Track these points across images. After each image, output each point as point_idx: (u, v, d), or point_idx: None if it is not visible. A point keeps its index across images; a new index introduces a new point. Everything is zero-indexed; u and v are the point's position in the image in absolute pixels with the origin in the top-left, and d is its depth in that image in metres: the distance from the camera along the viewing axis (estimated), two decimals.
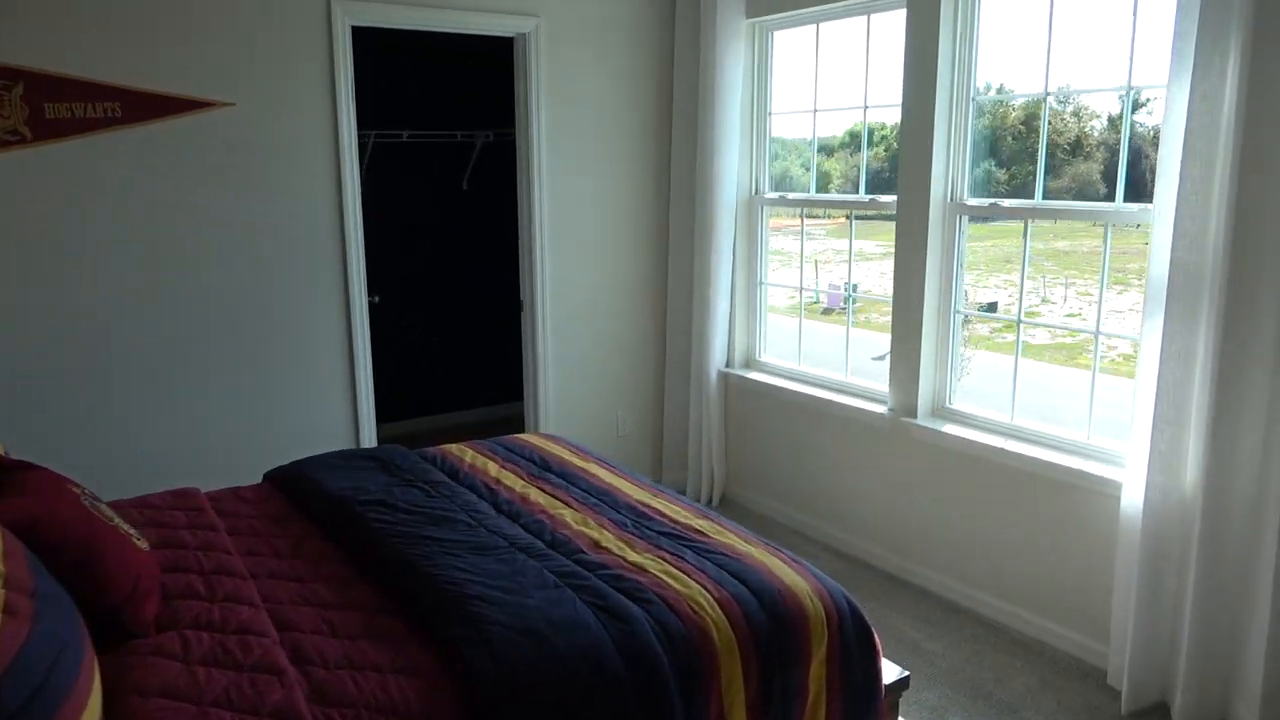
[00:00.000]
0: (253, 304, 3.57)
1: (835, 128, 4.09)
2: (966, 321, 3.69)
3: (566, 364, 4.35)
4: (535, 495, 2.41)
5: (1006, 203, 3.33)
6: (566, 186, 4.20)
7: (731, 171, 4.17)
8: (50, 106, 3.10)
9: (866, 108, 3.74)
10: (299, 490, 2.41)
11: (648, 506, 2.32)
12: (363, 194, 5.20)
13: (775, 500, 4.29)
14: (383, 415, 5.36)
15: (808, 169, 4.15)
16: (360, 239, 3.78)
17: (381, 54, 5.15)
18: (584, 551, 2.04)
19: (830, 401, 3.86)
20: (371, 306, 4.56)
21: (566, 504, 2.35)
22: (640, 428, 4.65)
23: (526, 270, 4.22)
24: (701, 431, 4.46)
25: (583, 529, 2.17)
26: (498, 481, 2.53)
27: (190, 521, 2.24)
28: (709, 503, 4.49)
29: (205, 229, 3.43)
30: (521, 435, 3.06)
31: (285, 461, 3.48)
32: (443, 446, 2.88)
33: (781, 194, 4.24)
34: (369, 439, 3.92)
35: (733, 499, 4.54)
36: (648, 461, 4.70)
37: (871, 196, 3.80)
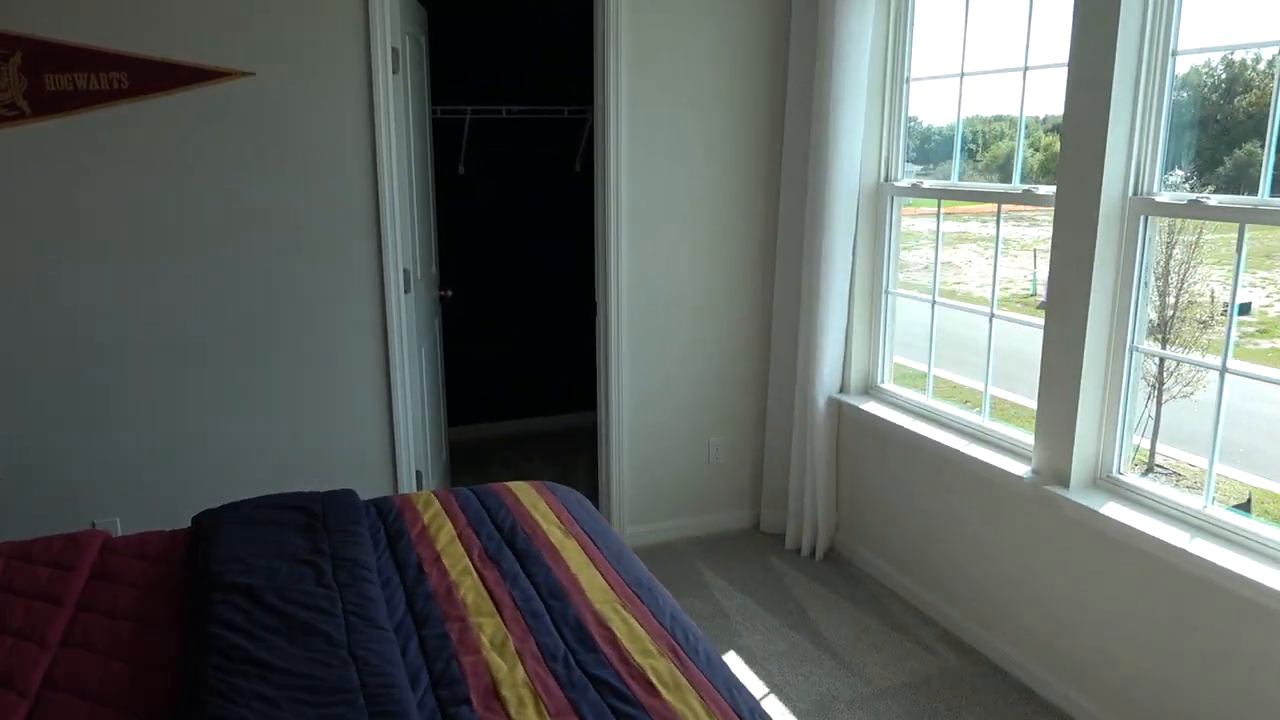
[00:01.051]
0: (271, 301, 3.17)
1: (985, 104, 3.18)
2: (1152, 362, 2.72)
3: (647, 374, 3.70)
4: (468, 588, 1.82)
5: (1214, 200, 2.35)
6: (651, 169, 3.54)
7: (853, 153, 3.36)
8: (51, 78, 2.80)
9: (1026, 69, 2.83)
10: (193, 553, 1.94)
11: (603, 626, 1.67)
12: (462, 176, 4.85)
13: (891, 563, 3.47)
14: (455, 417, 4.96)
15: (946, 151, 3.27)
16: (400, 229, 3.30)
17: (478, 22, 4.68)
18: (467, 705, 1.42)
19: (959, 452, 3.00)
20: (445, 300, 4.13)
21: (497, 609, 1.74)
22: (736, 456, 3.94)
23: (601, 265, 3.61)
24: (805, 469, 3.69)
25: (491, 657, 1.55)
26: (437, 559, 1.95)
27: (41, 586, 1.83)
28: (811, 555, 3.72)
29: (220, 217, 3.05)
30: (512, 486, 2.45)
31: (302, 482, 3.08)
32: (410, 497, 2.33)
33: (917, 181, 3.37)
34: (408, 455, 3.45)
35: (842, 553, 3.74)
36: (744, 498, 3.99)
37: (1026, 187, 2.89)
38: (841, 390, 3.65)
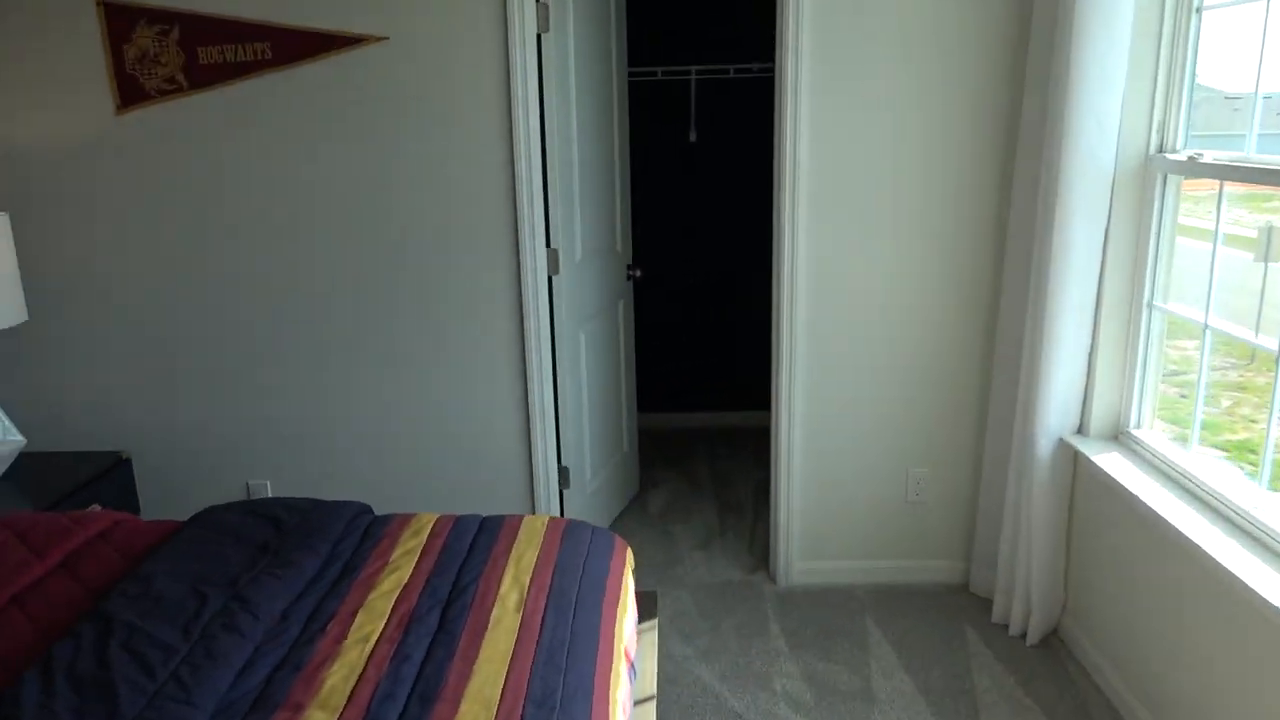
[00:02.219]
0: (397, 277, 3.03)
1: None
2: None
3: (829, 384, 3.07)
4: (345, 663, 1.46)
5: None
6: (841, 131, 2.87)
7: (1106, 111, 2.43)
8: (203, 51, 2.85)
9: None
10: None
11: None
12: (693, 143, 4.41)
13: (1119, 670, 2.55)
14: (661, 404, 4.62)
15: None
16: (541, 203, 2.98)
17: None
18: None
19: (1221, 567, 2.03)
20: (634, 281, 3.78)
21: (347, 703, 1.36)
22: (942, 495, 3.16)
23: (776, 250, 3.02)
24: (1020, 528, 2.84)
25: None
26: (354, 613, 1.62)
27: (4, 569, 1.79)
28: (1022, 636, 2.88)
29: (347, 188, 2.95)
30: (527, 522, 2.02)
31: (434, 464, 2.94)
32: (409, 520, 2.02)
33: (1196, 154, 2.35)
34: (545, 448, 3.17)
35: (1065, 642, 2.85)
36: (951, 547, 3.20)
37: None
38: (1079, 431, 2.74)
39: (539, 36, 2.91)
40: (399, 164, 2.93)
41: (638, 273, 3.76)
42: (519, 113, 2.87)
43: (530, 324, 3.05)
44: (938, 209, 2.92)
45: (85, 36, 2.84)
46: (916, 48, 2.80)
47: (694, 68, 4.17)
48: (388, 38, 2.84)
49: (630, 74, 4.20)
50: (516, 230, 2.98)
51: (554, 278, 3.12)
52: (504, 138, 2.91)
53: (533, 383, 3.10)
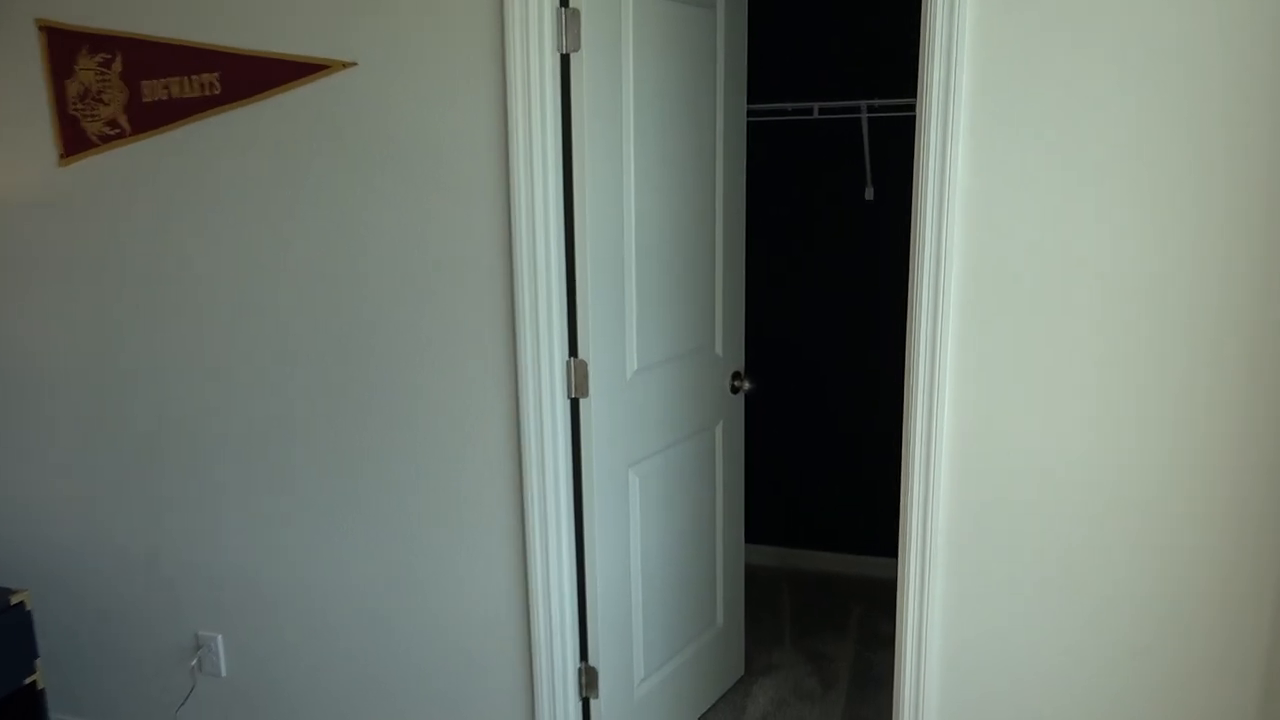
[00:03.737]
0: (367, 398, 2.21)
1: None
2: None
3: (990, 631, 1.86)
4: None
5: None
6: (1023, 209, 1.69)
7: None
8: (147, 85, 2.22)
9: None
10: None
11: None
12: (871, 202, 3.24)
13: None
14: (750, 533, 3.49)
15: None
16: (554, 298, 2.05)
17: None
18: None
19: None
20: (745, 393, 2.74)
21: None
22: None
23: (909, 399, 1.87)
24: None
25: None
26: None
27: None
28: None
29: (306, 272, 2.18)
30: None
31: (403, 644, 2.09)
32: None
33: None
34: (553, 640, 2.20)
35: None
36: None
37: None
38: None
39: (563, 59, 2.00)
40: (367, 237, 2.13)
41: (747, 385, 2.70)
42: (518, 166, 1.97)
43: (531, 469, 2.11)
44: (1202, 344, 1.64)
45: (27, 68, 2.31)
46: (1165, 68, 1.57)
47: (865, 102, 3.06)
48: (355, 63, 2.05)
49: (765, 111, 3.18)
50: (515, 335, 2.06)
51: (582, 402, 2.17)
52: (499, 202, 2.01)
53: (533, 553, 2.15)
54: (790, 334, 3.50)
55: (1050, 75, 1.65)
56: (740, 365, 2.74)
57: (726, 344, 2.66)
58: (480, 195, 2.02)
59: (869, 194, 3.29)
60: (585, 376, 2.15)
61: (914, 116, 3.05)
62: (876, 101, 3.06)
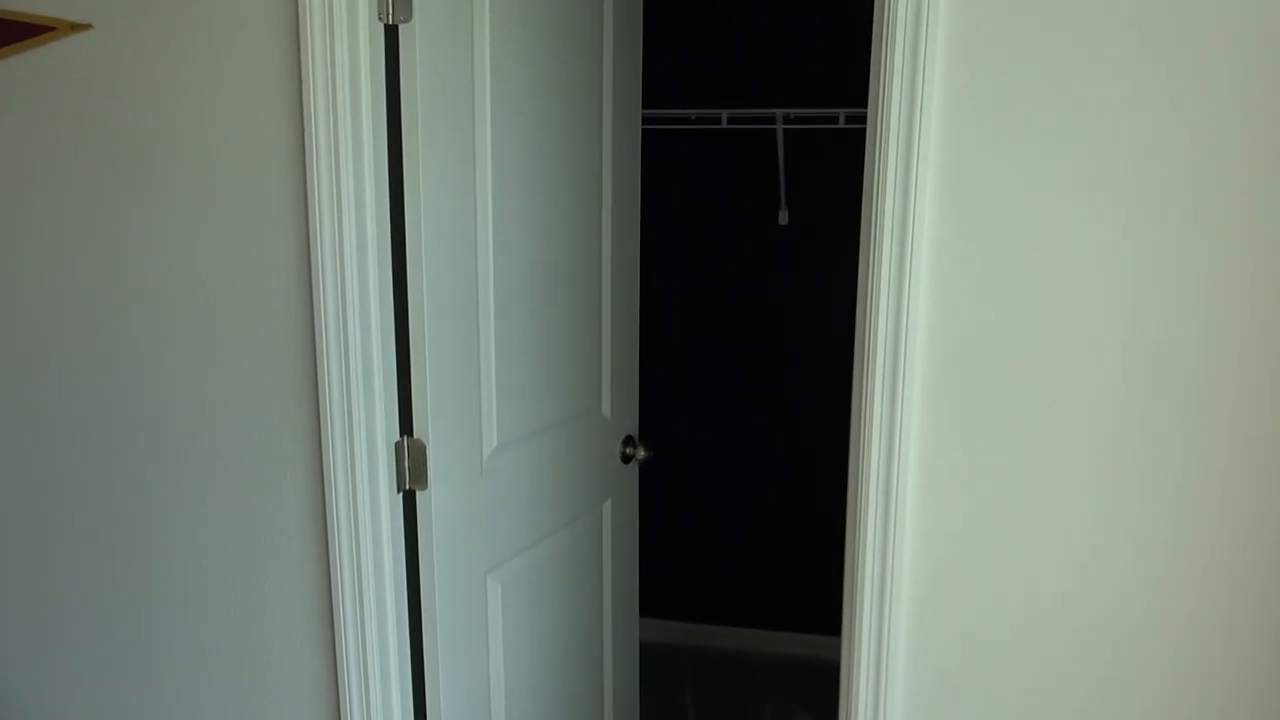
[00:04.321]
0: (124, 490, 1.60)
1: None
2: None
3: None
4: None
5: None
6: (1007, 250, 1.24)
7: None
8: None
9: None
10: None
11: None
12: (785, 228, 2.74)
13: None
14: (651, 607, 2.99)
15: None
16: (373, 360, 1.49)
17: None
18: None
19: None
20: (632, 461, 2.24)
21: None
22: None
23: (853, 507, 1.39)
24: None
25: None
26: None
27: None
28: None
29: (33, 315, 1.57)
30: None
31: None
32: None
33: None
34: None
35: None
36: None
37: None
38: None
39: (389, 32, 1.45)
40: (123, 266, 1.53)
41: (641, 453, 2.19)
42: (318, 178, 1.40)
43: (343, 594, 1.54)
44: (1241, 421, 1.21)
45: None
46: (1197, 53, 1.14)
47: (781, 112, 2.60)
48: (90, 25, 1.46)
49: (664, 119, 2.70)
50: (318, 409, 1.50)
51: (420, 496, 1.61)
52: (294, 228, 1.45)
53: (346, 687, 1.58)
54: (691, 382, 3.02)
55: (1056, 79, 1.19)
56: (634, 428, 2.23)
57: (617, 403, 2.14)
58: (267, 217, 1.45)
59: (783, 218, 2.84)
60: (423, 462, 1.60)
61: (834, 130, 2.61)
62: (794, 111, 2.61)
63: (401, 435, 1.59)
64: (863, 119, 2.62)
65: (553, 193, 1.82)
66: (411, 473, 1.60)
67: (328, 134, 1.39)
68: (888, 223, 1.29)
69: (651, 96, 2.72)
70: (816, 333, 2.90)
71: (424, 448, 1.59)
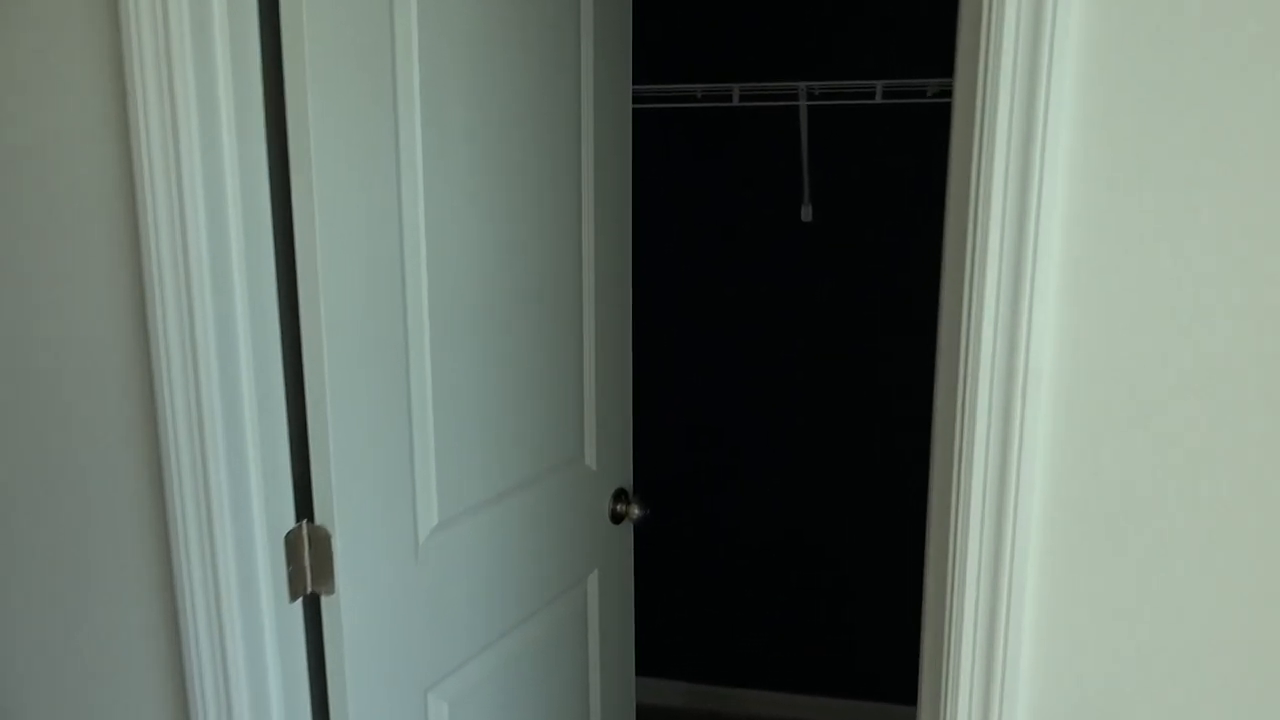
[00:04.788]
0: None
1: None
2: None
3: None
4: None
5: None
6: (1180, 239, 0.79)
7: None
8: None
9: None
10: None
11: None
12: (810, 224, 2.26)
13: None
14: (650, 665, 2.55)
15: None
16: (261, 396, 1.05)
17: None
18: None
19: None
20: (628, 520, 1.80)
21: None
22: None
23: (938, 593, 0.94)
24: None
25: None
26: None
27: None
28: None
29: None
30: None
31: None
32: None
33: None
34: None
35: None
36: None
37: None
38: None
39: None
40: None
41: (635, 511, 1.74)
42: (148, 166, 0.96)
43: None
44: None
45: None
46: None
47: (805, 85, 2.15)
48: None
49: (661, 95, 2.27)
50: (164, 497, 1.05)
51: (325, 601, 1.17)
52: (120, 235, 1.01)
53: None
54: (689, 412, 2.57)
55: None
56: (626, 480, 1.78)
57: (604, 451, 1.70)
58: (86, 220, 1.01)
59: (806, 214, 2.39)
60: (328, 556, 1.16)
61: (870, 106, 2.17)
62: (819, 85, 2.16)
63: (298, 522, 1.15)
64: (906, 92, 2.17)
65: (512, 187, 1.37)
66: (313, 571, 1.16)
67: (160, 99, 0.95)
68: (995, 225, 0.84)
69: (645, 69, 2.27)
70: (845, 353, 2.45)
71: (329, 537, 1.14)
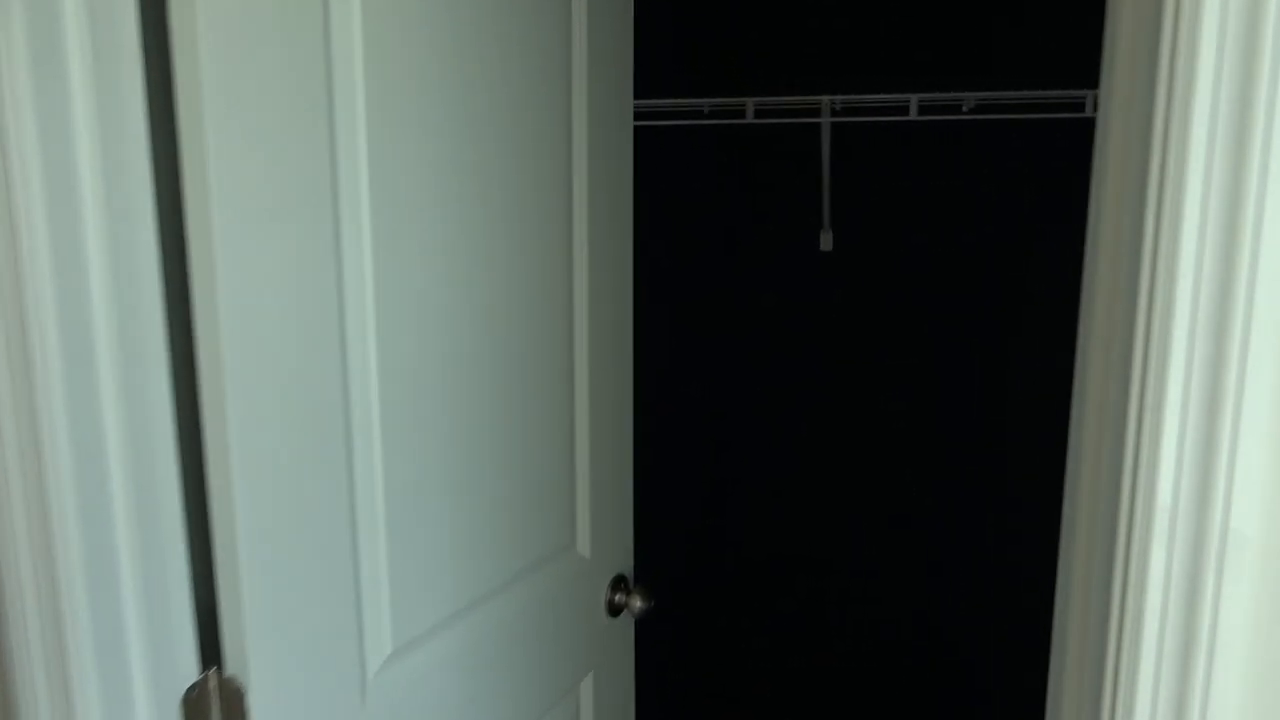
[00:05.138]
0: None
1: None
2: None
3: None
4: None
5: None
6: None
7: None
8: None
9: None
10: None
11: None
12: (829, 255, 1.97)
13: None
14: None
15: None
16: (134, 522, 0.77)
17: None
18: None
19: None
20: (631, 615, 1.52)
21: None
22: None
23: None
24: None
25: None
26: None
27: None
28: None
29: None
30: None
31: None
32: None
33: None
34: None
35: None
36: None
37: None
38: None
39: None
40: None
41: (638, 603, 1.47)
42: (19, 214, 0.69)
43: None
44: None
45: None
46: None
47: (829, 99, 1.89)
48: None
49: (665, 112, 2.02)
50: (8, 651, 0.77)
51: None
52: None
53: None
54: (702, 483, 2.30)
55: None
56: (626, 566, 1.51)
57: (600, 535, 1.42)
58: None
59: (825, 242, 2.13)
60: (241, 713, 0.88)
61: (903, 124, 1.91)
62: (843, 99, 1.90)
63: (203, 673, 0.87)
64: (944, 108, 1.91)
65: (486, 225, 1.10)
66: None
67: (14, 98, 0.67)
68: (1182, 321, 0.57)
69: (647, 81, 2.01)
70: (877, 403, 2.19)
71: (242, 693, 0.86)
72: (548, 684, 1.33)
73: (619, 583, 1.47)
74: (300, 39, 0.83)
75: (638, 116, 2.00)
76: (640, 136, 2.08)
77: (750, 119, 1.93)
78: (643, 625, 2.15)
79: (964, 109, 1.95)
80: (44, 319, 0.71)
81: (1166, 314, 0.57)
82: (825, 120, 1.93)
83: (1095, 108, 1.86)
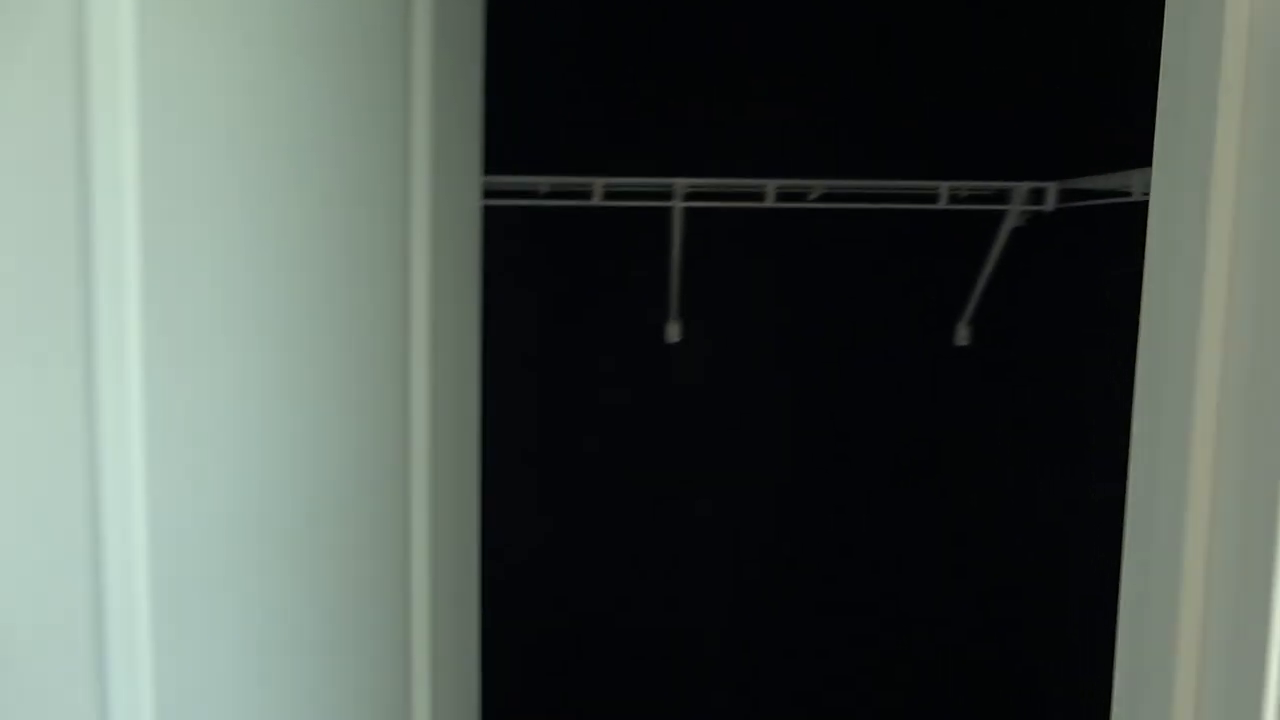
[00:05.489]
0: None
1: None
2: None
3: None
4: None
5: None
6: None
7: None
8: None
9: None
10: None
11: None
12: (675, 346, 1.81)
13: None
14: None
15: None
16: None
17: None
18: None
19: None
20: None
21: None
22: None
23: None
24: None
25: None
26: None
27: None
28: None
29: None
30: None
31: None
32: None
33: None
34: None
35: None
36: None
37: None
38: None
39: None
40: None
41: None
42: None
43: None
44: None
45: None
46: None
47: (678, 182, 1.74)
48: None
49: (501, 190, 1.82)
50: None
51: None
52: None
53: None
54: (551, 621, 2.05)
55: None
56: None
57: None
58: None
59: (673, 333, 1.97)
60: None
61: (752, 210, 1.80)
62: (699, 183, 1.77)
63: None
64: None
65: (295, 348, 0.83)
66: None
67: None
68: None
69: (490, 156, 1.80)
70: (727, 499, 2.02)
71: None
72: None
73: None
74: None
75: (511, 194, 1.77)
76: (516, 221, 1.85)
77: (595, 201, 1.75)
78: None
79: (809, 197, 1.86)
80: None
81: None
82: (676, 205, 1.78)
83: (950, 200, 1.82)
